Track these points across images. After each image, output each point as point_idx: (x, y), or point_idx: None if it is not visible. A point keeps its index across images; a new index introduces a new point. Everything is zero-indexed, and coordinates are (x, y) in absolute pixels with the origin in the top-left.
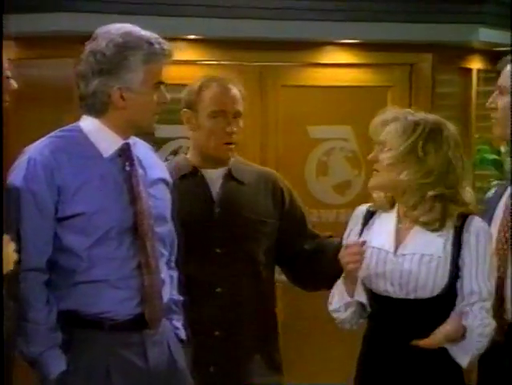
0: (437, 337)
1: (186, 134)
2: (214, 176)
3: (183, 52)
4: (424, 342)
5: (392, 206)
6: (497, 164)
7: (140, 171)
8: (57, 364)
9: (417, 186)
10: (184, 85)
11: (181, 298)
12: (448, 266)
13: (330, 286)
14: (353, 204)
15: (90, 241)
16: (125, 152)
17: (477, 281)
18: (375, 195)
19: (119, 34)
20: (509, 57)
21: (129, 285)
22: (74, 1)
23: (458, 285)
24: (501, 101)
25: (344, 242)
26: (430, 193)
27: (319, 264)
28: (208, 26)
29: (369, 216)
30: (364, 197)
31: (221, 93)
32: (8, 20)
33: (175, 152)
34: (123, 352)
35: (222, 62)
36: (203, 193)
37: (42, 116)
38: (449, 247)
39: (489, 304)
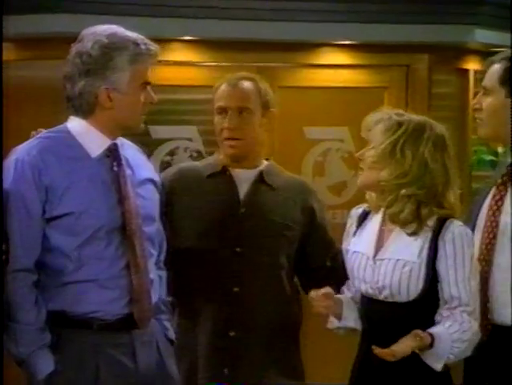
0: (396, 350)
1: (183, 135)
2: (243, 177)
3: (179, 54)
4: (383, 352)
5: (379, 207)
6: (495, 165)
7: (128, 171)
8: (45, 364)
9: (393, 186)
10: (180, 86)
11: (170, 298)
12: (423, 271)
13: None
14: (349, 205)
15: (78, 240)
16: (113, 153)
17: (457, 287)
18: (367, 196)
19: (104, 35)
20: (495, 57)
21: (118, 285)
22: (74, 2)
23: (439, 289)
24: (486, 101)
25: (344, 244)
26: (402, 192)
27: (335, 280)
28: (204, 28)
29: (364, 216)
30: (360, 198)
31: (225, 90)
32: (8, 21)
33: (171, 153)
34: (112, 352)
35: (219, 64)
36: (229, 192)
37: (42, 117)
38: (425, 252)
39: (470, 308)
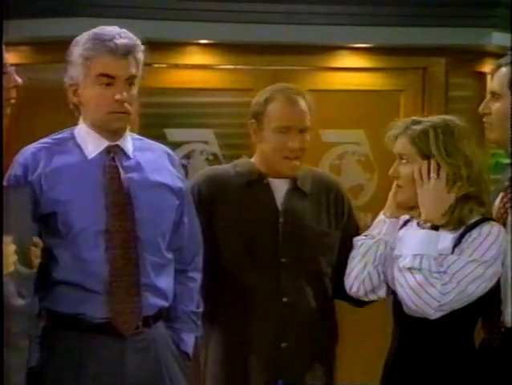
0: None
1: (199, 138)
2: (279, 185)
3: (196, 57)
4: None
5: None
6: None
7: (133, 174)
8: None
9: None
10: (196, 89)
11: (198, 310)
12: None
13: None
14: (365, 208)
15: (63, 241)
16: (110, 154)
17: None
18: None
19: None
20: (501, 60)
21: (104, 289)
22: (89, 6)
23: None
24: (495, 106)
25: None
26: (456, 196)
27: None
28: (220, 31)
29: (407, 221)
30: (377, 201)
31: (287, 108)
32: (24, 25)
33: (188, 156)
34: (97, 355)
35: (235, 67)
36: (268, 202)
37: (59, 119)
38: (454, 244)
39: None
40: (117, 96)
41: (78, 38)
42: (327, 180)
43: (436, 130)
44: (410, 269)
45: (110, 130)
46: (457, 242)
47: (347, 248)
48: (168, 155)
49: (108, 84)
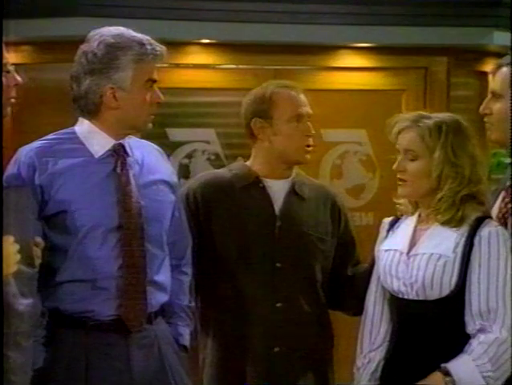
0: None
1: (201, 137)
2: (276, 188)
3: (197, 56)
4: None
5: (416, 209)
6: None
7: (135, 171)
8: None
9: (453, 192)
10: (198, 89)
11: (191, 304)
12: (457, 266)
13: (358, 313)
14: (367, 208)
15: (72, 239)
16: (117, 153)
17: (487, 294)
18: (402, 207)
19: (110, 35)
20: (502, 60)
21: (113, 286)
22: (90, 6)
23: (467, 290)
24: (496, 106)
25: (375, 250)
26: (461, 194)
27: (352, 291)
28: (222, 30)
29: (394, 221)
30: (379, 200)
31: (298, 97)
32: (25, 25)
33: (189, 156)
34: (104, 353)
35: (237, 66)
36: (265, 206)
37: (60, 119)
38: (461, 248)
39: (500, 318)
40: (160, 99)
41: (112, 39)
42: (324, 189)
43: (448, 126)
44: None
45: (139, 129)
46: (466, 248)
47: (342, 258)
48: (159, 151)
49: (150, 87)
